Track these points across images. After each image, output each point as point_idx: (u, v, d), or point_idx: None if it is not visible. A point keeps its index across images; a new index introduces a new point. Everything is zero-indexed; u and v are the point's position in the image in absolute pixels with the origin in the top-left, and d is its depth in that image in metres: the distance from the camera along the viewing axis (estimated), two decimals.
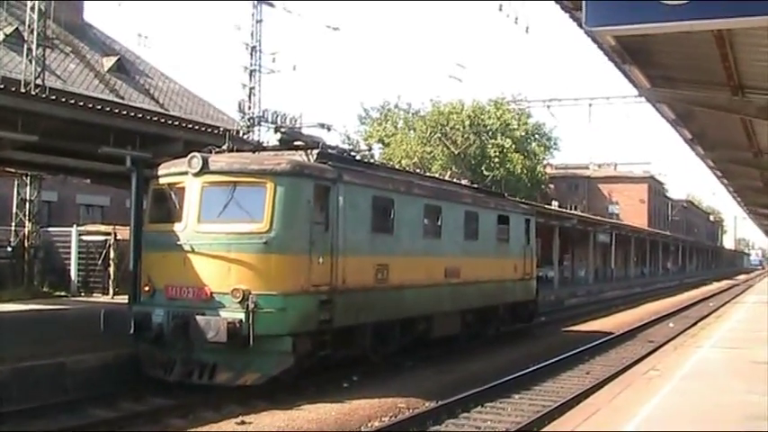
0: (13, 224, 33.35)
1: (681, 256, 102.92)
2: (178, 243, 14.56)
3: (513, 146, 63.89)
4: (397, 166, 37.42)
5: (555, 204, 62.39)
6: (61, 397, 13.49)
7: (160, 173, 15.48)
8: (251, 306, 13.84)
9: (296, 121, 20.36)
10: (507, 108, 63.16)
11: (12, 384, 13.12)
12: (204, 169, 14.64)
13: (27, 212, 32.84)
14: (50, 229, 34.52)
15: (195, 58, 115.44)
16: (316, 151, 15.91)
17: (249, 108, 42.82)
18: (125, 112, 18.46)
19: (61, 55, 37.95)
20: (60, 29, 37.87)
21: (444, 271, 19.26)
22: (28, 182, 32.59)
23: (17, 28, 35.46)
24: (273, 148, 16.37)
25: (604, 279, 64.74)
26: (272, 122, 19.92)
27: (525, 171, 65.85)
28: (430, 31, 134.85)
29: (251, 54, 43.59)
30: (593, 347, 22.05)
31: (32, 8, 31.27)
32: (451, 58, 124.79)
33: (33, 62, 31.98)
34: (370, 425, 12.74)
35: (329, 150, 16.55)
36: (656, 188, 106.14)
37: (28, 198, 32.77)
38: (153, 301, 14.82)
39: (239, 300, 13.92)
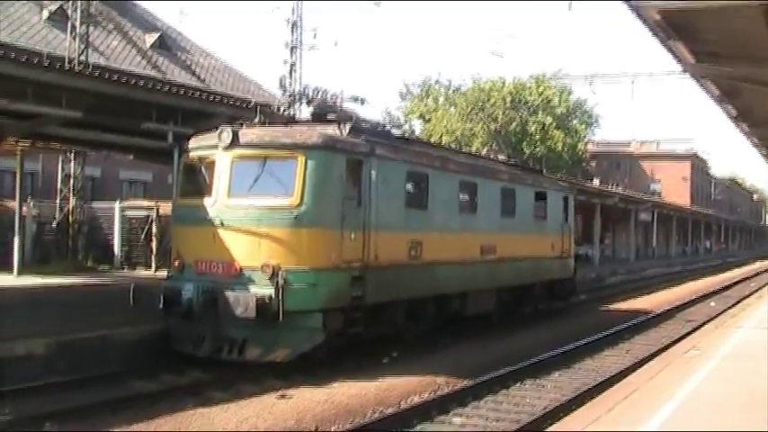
0: (58, 200, 33.48)
1: (723, 235, 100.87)
2: (208, 218, 14.17)
3: (555, 123, 62.64)
4: (436, 143, 36.84)
5: (596, 182, 61.33)
6: (103, 369, 13.32)
7: (190, 146, 15.08)
8: (281, 282, 13.40)
9: (336, 97, 20.42)
10: (548, 84, 61.81)
11: (56, 356, 13.04)
12: (234, 143, 14.20)
13: (71, 188, 32.94)
14: (94, 204, 34.61)
15: (237, 35, 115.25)
16: (348, 125, 15.38)
17: (290, 84, 42.35)
18: (167, 88, 18.47)
19: (104, 32, 37.84)
20: (103, 6, 37.77)
21: (480, 248, 18.68)
22: (72, 158, 32.68)
23: (61, 5, 35.42)
24: (306, 122, 15.86)
25: (645, 257, 63.58)
26: (311, 99, 20.25)
27: (566, 148, 64.55)
28: (471, 6, 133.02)
29: (292, 30, 43.03)
30: (634, 326, 21.53)
31: None
32: (493, 33, 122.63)
33: (77, 39, 31.99)
34: (409, 400, 12.48)
35: (362, 124, 16.00)
36: (698, 166, 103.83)
37: (72, 174, 32.87)
38: (183, 276, 14.45)
39: (269, 275, 13.50)
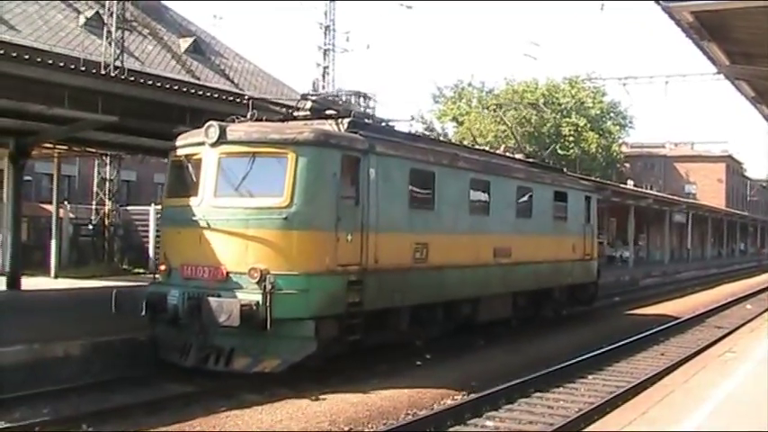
0: (94, 203, 32.88)
1: (759, 236, 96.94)
2: (194, 219, 12.66)
3: (588, 124, 60.16)
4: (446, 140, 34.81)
5: (630, 184, 58.75)
6: (136, 371, 12.74)
7: (178, 144, 13.58)
8: (268, 287, 11.85)
9: (369, 99, 19.21)
10: (582, 86, 59.39)
11: (92, 358, 12.67)
12: (221, 139, 12.64)
13: (107, 191, 32.41)
14: (129, 207, 33.89)
15: (270, 38, 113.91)
16: (347, 120, 13.75)
17: (323, 87, 41.10)
18: (200, 92, 17.85)
19: (139, 37, 37.27)
20: (138, 11, 37.22)
21: (493, 251, 16.84)
22: (108, 162, 32.06)
23: (97, 11, 35.22)
24: (304, 118, 14.23)
25: (680, 259, 60.80)
26: (345, 101, 19.17)
27: (600, 150, 62.02)
28: (503, 8, 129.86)
29: (325, 33, 41.99)
30: (668, 328, 20.47)
31: None
32: (526, 36, 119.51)
33: (113, 44, 31.87)
34: (442, 402, 11.82)
35: (362, 119, 14.33)
36: (734, 168, 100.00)
37: (108, 177, 32.42)
38: (169, 280, 12.98)
39: (257, 280, 11.98)
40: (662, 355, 16.69)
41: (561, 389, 13.09)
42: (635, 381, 13.30)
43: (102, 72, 22.86)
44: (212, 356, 12.31)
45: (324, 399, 11.51)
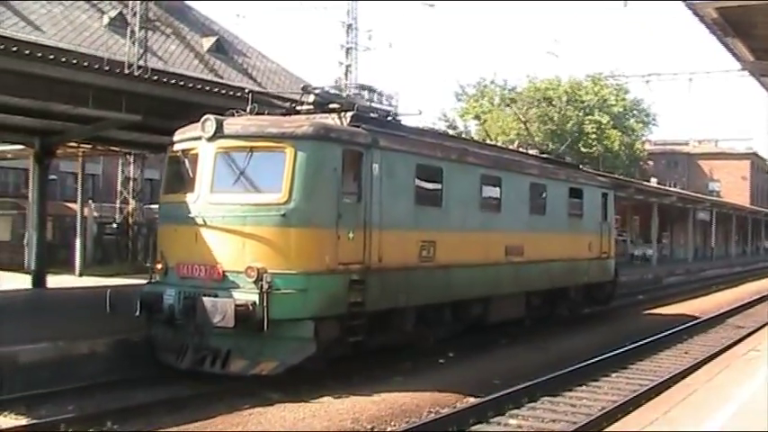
0: (118, 202, 32.54)
1: None
2: (190, 215, 11.95)
3: (611, 122, 58.68)
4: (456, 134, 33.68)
5: (654, 181, 57.33)
6: (160, 369, 12.23)
7: (175, 138, 12.86)
8: (265, 287, 11.13)
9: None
10: (605, 84, 57.98)
11: (112, 355, 12.38)
12: (218, 133, 11.91)
13: (131, 190, 32.06)
14: (153, 206, 33.33)
15: (293, 37, 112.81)
16: (350, 114, 12.98)
17: (345, 86, 40.30)
18: (223, 91, 17.49)
19: (162, 36, 36.92)
20: (161, 11, 36.84)
21: (504, 249, 15.94)
22: (132, 161, 31.70)
23: (121, 12, 34.95)
24: (307, 112, 13.46)
25: (704, 258, 59.28)
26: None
27: (623, 148, 60.47)
28: (526, 6, 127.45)
29: (347, 32, 41.25)
30: (692, 327, 19.77)
31: None
32: (548, 33, 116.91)
33: (136, 44, 31.58)
34: (465, 401, 11.40)
35: (367, 113, 13.53)
36: (758, 165, 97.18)
37: (132, 176, 32.14)
38: (166, 280, 12.28)
39: (254, 279, 11.25)
40: (685, 353, 16.13)
41: (584, 387, 12.69)
42: (658, 379, 12.88)
43: (126, 72, 22.65)
44: (209, 358, 11.61)
45: (347, 397, 11.13)
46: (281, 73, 41.78)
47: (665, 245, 57.47)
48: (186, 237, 11.97)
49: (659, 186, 52.79)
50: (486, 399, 11.15)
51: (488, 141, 29.99)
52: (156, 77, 17.79)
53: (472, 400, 11.35)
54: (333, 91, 13.83)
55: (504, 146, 20.67)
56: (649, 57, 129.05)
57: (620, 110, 61.65)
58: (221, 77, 36.74)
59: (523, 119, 43.22)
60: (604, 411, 10.77)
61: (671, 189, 55.92)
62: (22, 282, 20.82)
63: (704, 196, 61.65)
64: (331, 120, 12.90)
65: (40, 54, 14.19)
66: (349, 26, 41.51)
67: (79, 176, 28.38)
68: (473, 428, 10.25)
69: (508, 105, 52.94)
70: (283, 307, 11.20)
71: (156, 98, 15.99)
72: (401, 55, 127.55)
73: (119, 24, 34.56)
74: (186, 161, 12.42)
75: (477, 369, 13.41)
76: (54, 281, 21.01)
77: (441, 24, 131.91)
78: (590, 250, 19.95)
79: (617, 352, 15.04)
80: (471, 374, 12.95)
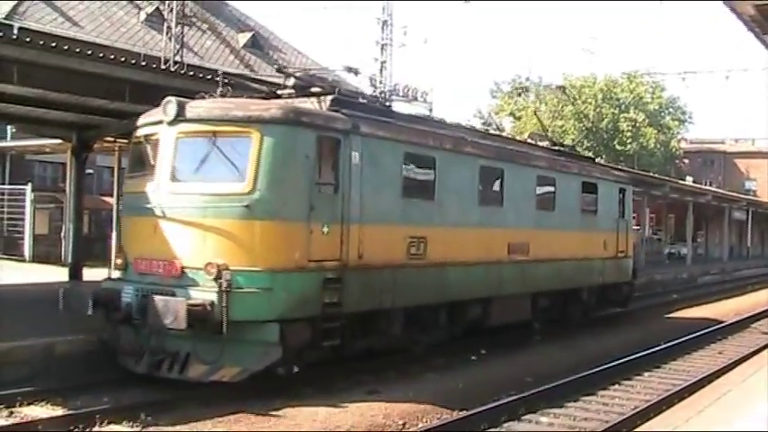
0: None
1: None
2: (149, 206, 10.38)
3: (647, 120, 55.62)
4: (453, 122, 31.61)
5: (689, 180, 54.34)
6: None
7: (138, 123, 11.29)
8: (224, 285, 9.54)
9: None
10: (640, 81, 54.94)
11: None
12: (180, 117, 10.30)
13: None
14: None
15: (328, 33, 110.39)
16: (329, 97, 11.28)
17: (381, 82, 38.78)
18: (254, 85, 15.95)
19: (198, 32, 35.58)
20: (197, 7, 35.61)
21: (507, 246, 14.02)
22: None
23: (158, 7, 33.55)
24: (289, 96, 11.79)
25: (739, 257, 56.18)
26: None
27: (658, 146, 57.32)
28: (561, 3, 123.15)
29: (382, 28, 39.65)
30: (727, 327, 18.69)
31: None
32: (583, 30, 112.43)
33: (173, 40, 30.29)
34: (497, 398, 10.64)
35: (351, 97, 11.81)
36: None
37: None
38: (126, 275, 10.73)
39: (213, 277, 9.66)
40: (720, 353, 15.27)
41: (617, 386, 12.06)
42: (691, 379, 12.31)
43: (162, 67, 21.65)
44: (166, 362, 10.06)
45: (379, 392, 10.53)
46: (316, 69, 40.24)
47: (699, 244, 54.58)
48: (145, 230, 10.42)
49: (694, 185, 50.02)
50: (518, 396, 10.50)
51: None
52: (192, 73, 16.64)
53: (504, 397, 10.56)
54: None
55: (510, 136, 18.61)
56: (685, 53, 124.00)
57: (656, 107, 58.46)
58: (256, 72, 35.37)
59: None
60: (637, 410, 10.26)
61: (707, 188, 52.98)
62: (59, 274, 20.12)
63: (740, 195, 58.42)
64: (310, 104, 11.22)
65: (78, 50, 13.68)
66: (384, 22, 39.92)
67: (115, 170, 27.17)
68: (504, 426, 9.73)
69: (543, 102, 50.60)
70: (245, 307, 9.66)
71: (191, 93, 15.32)
72: (436, 51, 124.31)
73: (155, 20, 33.30)
74: (148, 147, 10.83)
75: (510, 366, 12.81)
76: (90, 274, 19.99)
77: (476, 20, 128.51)
78: (605, 249, 17.74)
79: (650, 351, 14.24)
80: (503, 372, 12.33)
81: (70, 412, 9.09)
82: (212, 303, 9.52)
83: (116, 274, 11.14)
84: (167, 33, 30.18)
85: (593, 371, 12.25)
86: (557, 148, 17.76)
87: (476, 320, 13.49)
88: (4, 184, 32.38)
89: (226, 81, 11.60)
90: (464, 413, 9.69)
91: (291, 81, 11.78)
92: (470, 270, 12.99)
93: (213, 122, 10.24)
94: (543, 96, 52.72)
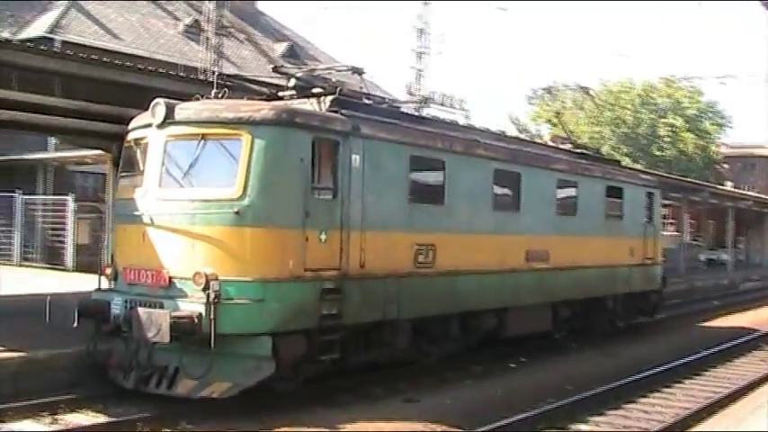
0: None
1: None
2: (137, 214, 9.66)
3: (685, 124, 53.56)
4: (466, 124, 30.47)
5: (729, 185, 52.11)
6: None
7: (130, 127, 10.57)
8: (212, 296, 8.77)
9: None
10: (678, 86, 52.94)
11: None
12: (168, 119, 9.58)
13: None
14: None
15: (365, 42, 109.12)
16: (329, 98, 10.44)
17: (417, 90, 38.01)
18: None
19: (236, 42, 35.51)
20: (235, 18, 35.27)
21: (525, 254, 12.96)
22: None
23: (196, 19, 33.79)
24: (290, 97, 10.98)
25: None
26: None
27: (697, 150, 55.15)
28: (597, 8, 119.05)
29: (419, 36, 38.81)
30: None
31: None
32: (620, 35, 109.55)
33: (211, 51, 29.79)
34: (536, 405, 10.30)
35: (353, 98, 10.96)
36: None
37: None
38: (116, 286, 10.03)
39: (201, 287, 8.88)
40: (762, 360, 14.62)
41: (657, 393, 11.63)
42: (732, 387, 11.85)
43: (201, 77, 21.44)
44: (154, 377, 9.32)
45: (416, 401, 10.33)
46: (353, 78, 39.61)
47: (740, 249, 52.28)
48: (134, 238, 9.68)
49: (734, 190, 47.93)
50: (557, 404, 10.19)
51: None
52: (229, 83, 16.59)
53: (543, 405, 10.21)
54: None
55: (528, 139, 17.52)
56: (724, 57, 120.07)
57: (695, 112, 56.25)
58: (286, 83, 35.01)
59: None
60: (678, 418, 9.96)
61: (747, 193, 50.74)
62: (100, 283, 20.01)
63: None
64: (309, 105, 10.40)
65: (118, 62, 13.87)
66: (420, 30, 39.16)
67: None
68: None
69: (581, 108, 49.03)
70: (235, 319, 8.88)
71: None
72: (473, 59, 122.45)
73: (193, 31, 33.40)
74: (138, 151, 10.10)
75: (549, 373, 12.50)
76: None
77: (513, 27, 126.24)
78: (632, 256, 16.46)
79: (690, 359, 13.79)
80: (542, 379, 12.05)
81: (112, 419, 8.97)
82: (200, 315, 8.76)
83: (107, 284, 10.43)
84: (205, 44, 30.04)
85: (632, 378, 11.76)
86: (579, 150, 16.59)
87: (491, 331, 12.45)
88: (46, 194, 32.44)
89: (226, 83, 10.83)
90: (505, 420, 9.23)
91: (293, 82, 10.92)
92: (484, 279, 11.97)
93: (202, 124, 9.47)
94: (581, 102, 51.15)
